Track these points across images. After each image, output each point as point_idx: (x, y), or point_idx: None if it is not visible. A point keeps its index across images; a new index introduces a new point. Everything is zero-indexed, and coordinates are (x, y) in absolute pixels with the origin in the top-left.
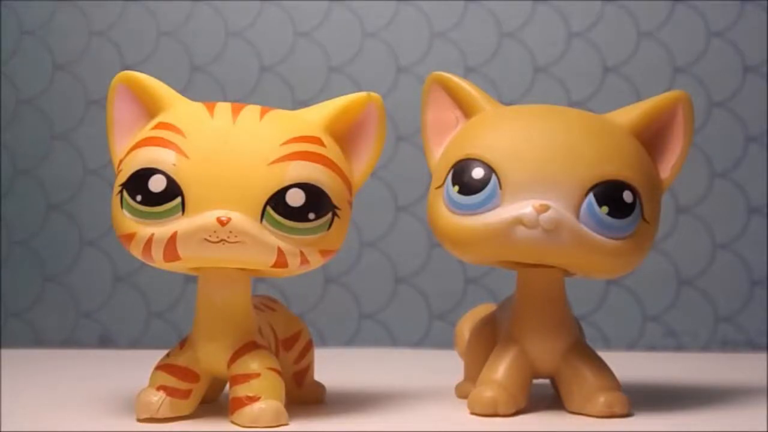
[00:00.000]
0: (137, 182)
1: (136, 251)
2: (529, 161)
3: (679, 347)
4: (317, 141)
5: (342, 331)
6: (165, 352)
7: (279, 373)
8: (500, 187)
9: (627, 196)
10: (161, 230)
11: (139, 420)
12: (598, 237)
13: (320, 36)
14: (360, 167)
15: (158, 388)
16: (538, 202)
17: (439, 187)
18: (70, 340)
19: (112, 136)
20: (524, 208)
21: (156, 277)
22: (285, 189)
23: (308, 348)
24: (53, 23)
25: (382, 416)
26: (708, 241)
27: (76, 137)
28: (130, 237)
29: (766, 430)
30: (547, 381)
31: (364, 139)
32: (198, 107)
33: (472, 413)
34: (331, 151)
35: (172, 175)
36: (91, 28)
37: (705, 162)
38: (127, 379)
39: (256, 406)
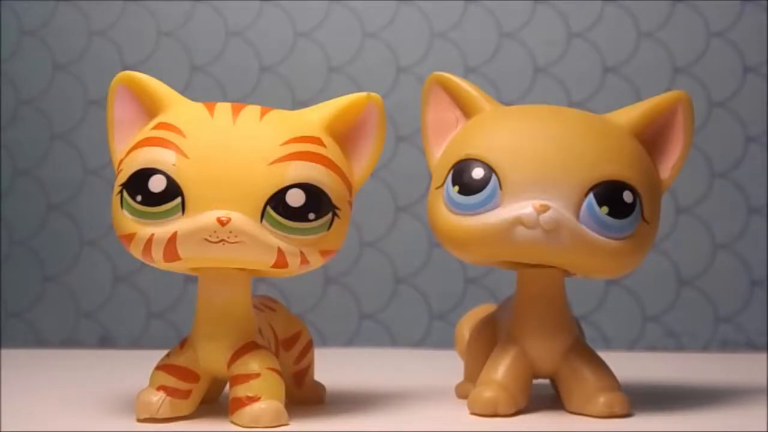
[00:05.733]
0: (137, 182)
1: (136, 251)
2: (529, 161)
3: (679, 347)
4: (317, 141)
5: (342, 331)
6: (165, 352)
7: (279, 373)
8: (500, 188)
9: (627, 196)
10: (161, 230)
11: (139, 420)
12: (598, 237)
13: (320, 36)
14: (360, 167)
15: (158, 388)
16: (538, 202)
17: (439, 187)
18: (70, 340)
19: (112, 136)
20: (524, 208)
21: (156, 277)
22: (285, 189)
23: (308, 348)
24: (53, 23)
25: (382, 416)
26: (708, 241)
27: (76, 137)
28: (130, 237)
29: (766, 430)
30: (547, 381)
31: (364, 139)
32: (198, 107)
33: (472, 413)
34: (331, 151)
35: (172, 175)
36: (91, 28)
37: (705, 162)
38: (127, 379)
39: (257, 406)
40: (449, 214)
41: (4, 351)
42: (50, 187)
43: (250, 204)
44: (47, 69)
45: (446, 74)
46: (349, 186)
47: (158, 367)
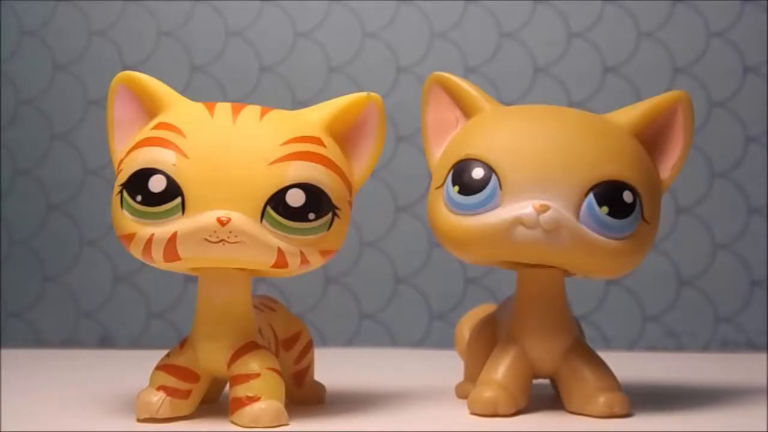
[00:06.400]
0: (137, 182)
1: (136, 251)
2: (529, 161)
3: (679, 347)
4: (317, 141)
5: (342, 331)
6: (165, 352)
7: (279, 373)
8: (500, 188)
9: (627, 196)
10: (161, 230)
11: (139, 420)
12: (598, 237)
13: (320, 36)
14: (360, 167)
15: (158, 388)
16: (538, 202)
17: (439, 187)
18: (70, 340)
19: (112, 136)
20: (524, 208)
21: (156, 277)
22: (285, 189)
23: (308, 348)
24: (53, 23)
25: (382, 416)
26: (708, 241)
27: (76, 137)
28: (130, 237)
29: (766, 430)
30: (547, 381)
31: (364, 139)
32: (198, 107)
33: (472, 413)
34: (331, 151)
35: (172, 175)
36: (91, 28)
37: (705, 162)
38: (127, 379)
39: (257, 406)
40: (449, 214)
41: (4, 351)
42: (50, 187)
43: (250, 204)
44: (47, 69)
45: (446, 74)
46: (349, 186)
47: (158, 367)
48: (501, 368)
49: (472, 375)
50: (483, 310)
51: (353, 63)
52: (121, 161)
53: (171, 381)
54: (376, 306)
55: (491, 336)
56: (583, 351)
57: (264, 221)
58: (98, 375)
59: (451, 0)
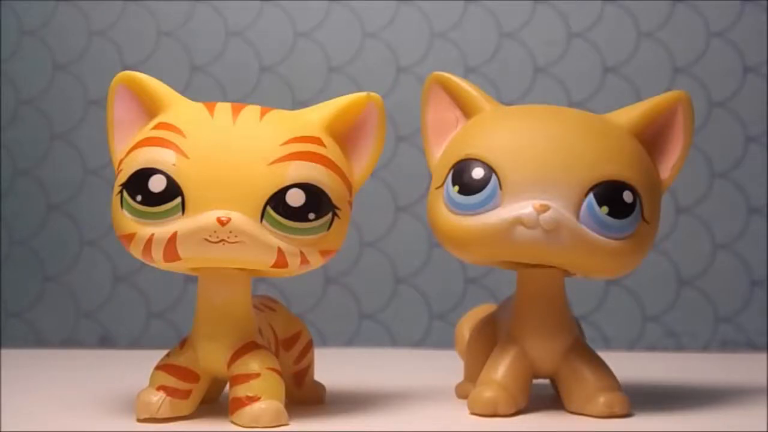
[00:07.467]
0: (137, 182)
1: (136, 251)
2: (529, 161)
3: (679, 347)
4: (317, 141)
5: (342, 331)
6: (165, 352)
7: (279, 373)
8: (500, 188)
9: (627, 196)
10: (161, 230)
11: (139, 420)
12: (598, 237)
13: (320, 36)
14: (360, 167)
15: (158, 388)
16: (538, 202)
17: (439, 187)
18: (70, 340)
19: (112, 136)
20: (524, 208)
21: (156, 277)
22: (285, 189)
23: (308, 348)
24: (53, 23)
25: (382, 416)
26: (708, 241)
27: (76, 137)
28: (130, 237)
29: (766, 430)
30: (547, 381)
31: (364, 139)
32: (198, 107)
33: (472, 413)
34: (331, 151)
35: (172, 175)
36: (91, 28)
37: (705, 162)
38: (127, 379)
39: (257, 406)
40: (449, 214)
41: (4, 351)
42: (50, 187)
43: (250, 204)
44: (47, 69)
45: (446, 74)
46: (349, 186)
47: (158, 367)
48: (501, 368)
49: (472, 375)
50: (483, 310)
51: (353, 63)
52: (121, 161)
53: (171, 381)
54: (376, 306)
55: (491, 336)
56: (583, 351)
57: (264, 221)
58: (98, 375)
59: (451, 0)
